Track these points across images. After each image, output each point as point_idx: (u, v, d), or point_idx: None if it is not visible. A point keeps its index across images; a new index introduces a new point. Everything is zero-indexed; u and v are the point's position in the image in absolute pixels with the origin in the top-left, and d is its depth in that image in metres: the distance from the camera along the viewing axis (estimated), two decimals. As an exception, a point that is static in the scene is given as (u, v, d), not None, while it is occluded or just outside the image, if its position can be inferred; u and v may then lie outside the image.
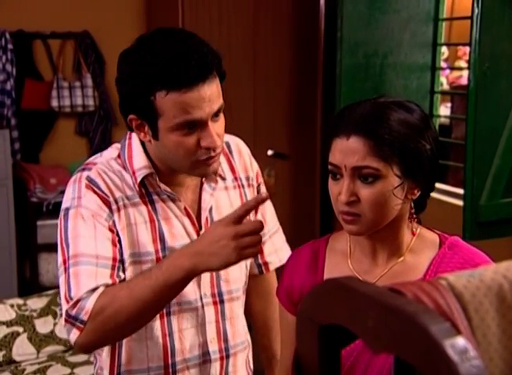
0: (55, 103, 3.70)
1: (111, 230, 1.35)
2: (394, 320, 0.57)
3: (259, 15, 3.62)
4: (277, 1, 3.64)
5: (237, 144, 1.57)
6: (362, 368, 1.17)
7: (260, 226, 1.22)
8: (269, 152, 3.67)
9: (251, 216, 1.54)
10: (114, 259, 1.33)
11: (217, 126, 1.34)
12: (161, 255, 1.39)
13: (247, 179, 1.56)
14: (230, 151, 1.54)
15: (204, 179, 1.47)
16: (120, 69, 1.36)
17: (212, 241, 1.21)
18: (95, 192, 1.36)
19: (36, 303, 2.80)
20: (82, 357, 2.65)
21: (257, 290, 1.66)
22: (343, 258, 1.25)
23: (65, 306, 1.30)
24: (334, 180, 1.16)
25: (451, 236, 1.23)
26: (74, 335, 1.29)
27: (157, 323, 1.41)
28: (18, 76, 3.62)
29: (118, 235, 1.36)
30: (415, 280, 1.15)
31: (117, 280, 1.33)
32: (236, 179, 1.54)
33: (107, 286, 1.30)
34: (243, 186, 1.55)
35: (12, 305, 2.77)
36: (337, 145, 1.14)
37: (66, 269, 1.31)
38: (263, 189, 1.61)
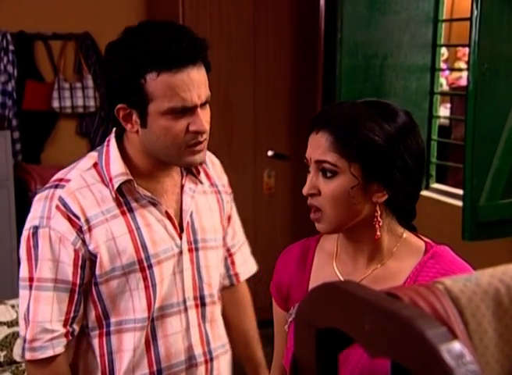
0: (56, 104, 3.71)
1: (76, 253, 1.37)
2: (391, 324, 0.57)
3: (259, 16, 3.62)
4: (277, 2, 3.64)
5: (210, 156, 1.60)
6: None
7: None
8: (269, 153, 3.67)
9: (224, 225, 1.58)
10: (73, 284, 1.39)
11: (204, 114, 1.36)
12: (145, 264, 1.40)
13: (223, 186, 1.60)
14: (204, 162, 1.54)
15: (184, 180, 1.48)
16: (107, 59, 1.37)
17: None
18: (64, 214, 1.36)
19: (37, 304, 2.80)
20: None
21: (233, 302, 1.67)
22: (329, 259, 1.27)
23: (23, 326, 1.43)
24: (308, 174, 1.20)
25: (439, 245, 1.22)
26: (22, 353, 1.43)
27: (140, 333, 1.42)
28: (19, 77, 3.63)
29: (91, 255, 1.38)
30: (395, 286, 1.16)
31: (71, 314, 1.39)
32: (212, 185, 1.56)
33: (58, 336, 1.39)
34: (219, 192, 1.58)
35: (13, 306, 2.77)
36: (309, 139, 1.18)
37: (31, 288, 1.38)
38: (232, 201, 1.64)
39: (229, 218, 1.63)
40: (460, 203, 2.88)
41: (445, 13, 3.27)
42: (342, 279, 1.23)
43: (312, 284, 1.28)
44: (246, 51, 3.61)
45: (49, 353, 1.38)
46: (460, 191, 2.99)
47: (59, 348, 1.39)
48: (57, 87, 3.72)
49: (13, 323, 2.70)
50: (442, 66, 3.60)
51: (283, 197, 3.74)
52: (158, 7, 3.86)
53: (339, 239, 1.26)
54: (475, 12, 2.39)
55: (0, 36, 3.57)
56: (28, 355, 1.40)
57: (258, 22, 3.62)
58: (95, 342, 1.43)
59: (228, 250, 1.64)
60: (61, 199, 1.37)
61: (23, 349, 1.41)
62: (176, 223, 1.45)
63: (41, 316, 1.37)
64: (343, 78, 3.16)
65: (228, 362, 1.59)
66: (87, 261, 1.39)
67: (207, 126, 1.36)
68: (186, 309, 1.46)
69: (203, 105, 1.35)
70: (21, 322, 1.43)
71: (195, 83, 1.31)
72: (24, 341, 1.41)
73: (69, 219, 1.36)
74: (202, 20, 3.49)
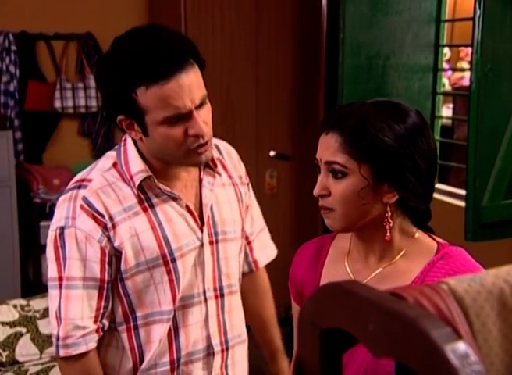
0: (58, 104, 3.71)
1: (102, 251, 1.41)
2: (395, 325, 0.57)
3: (261, 16, 3.62)
4: (279, 2, 3.64)
5: (226, 146, 1.63)
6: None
7: None
8: (271, 153, 3.67)
9: (243, 216, 1.60)
10: (101, 280, 1.42)
11: (203, 114, 1.36)
12: (169, 258, 1.44)
13: (240, 178, 1.62)
14: (220, 153, 1.59)
15: (202, 174, 1.50)
16: (98, 74, 1.41)
17: None
18: (89, 213, 1.40)
19: (39, 304, 2.80)
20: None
21: (252, 289, 1.70)
22: (341, 256, 1.28)
23: (55, 325, 1.44)
24: (319, 175, 1.20)
25: (453, 246, 1.21)
26: (55, 350, 1.45)
27: (167, 324, 1.46)
28: (21, 77, 3.63)
29: (116, 251, 1.42)
30: (403, 285, 1.16)
31: (101, 310, 1.43)
32: (230, 177, 1.59)
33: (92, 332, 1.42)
34: (236, 184, 1.60)
35: (15, 306, 2.77)
36: (319, 140, 1.18)
37: (60, 287, 1.42)
38: (250, 189, 1.67)
39: (247, 207, 1.65)
40: (462, 203, 2.88)
41: (447, 13, 3.26)
42: (352, 276, 1.24)
43: (323, 281, 1.29)
44: (248, 51, 3.61)
45: (82, 349, 1.42)
46: (462, 192, 2.99)
47: (92, 343, 1.43)
48: (59, 88, 3.72)
49: (15, 324, 2.70)
50: (445, 66, 3.59)
51: (285, 197, 3.74)
52: (159, 7, 3.86)
53: (352, 237, 1.27)
54: (478, 12, 2.38)
55: (2, 36, 3.57)
56: (62, 352, 1.43)
57: (260, 22, 3.62)
58: (124, 336, 1.48)
59: (246, 238, 1.67)
60: (84, 199, 1.41)
61: (57, 347, 1.44)
62: (197, 217, 1.48)
63: (73, 313, 1.41)
64: (346, 78, 3.15)
65: (244, 351, 1.62)
66: (113, 257, 1.42)
67: (205, 129, 1.37)
68: (206, 300, 1.50)
69: (199, 106, 1.35)
70: (52, 320, 1.45)
71: (186, 88, 1.32)
72: (57, 338, 1.43)
73: (94, 218, 1.40)
74: (204, 20, 3.49)
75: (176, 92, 1.31)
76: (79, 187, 1.43)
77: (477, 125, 2.42)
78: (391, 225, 1.18)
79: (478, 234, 2.49)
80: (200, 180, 1.51)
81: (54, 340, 1.45)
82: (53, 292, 1.44)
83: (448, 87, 4.06)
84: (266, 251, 1.73)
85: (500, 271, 0.63)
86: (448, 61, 4.00)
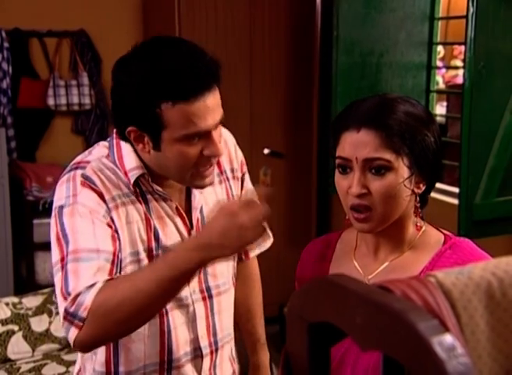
0: (51, 102, 3.70)
1: (109, 226, 1.31)
2: (382, 317, 0.57)
3: (256, 14, 3.62)
4: (273, 0, 3.64)
5: (223, 132, 1.55)
6: (351, 364, 1.18)
7: (265, 211, 1.20)
8: (265, 151, 3.67)
9: None
10: (114, 254, 1.29)
11: (217, 135, 1.34)
12: (154, 253, 1.38)
13: (232, 171, 1.56)
14: None
15: None
16: (118, 80, 1.32)
17: (220, 234, 1.18)
18: (92, 188, 1.31)
19: (31, 301, 2.80)
20: (77, 355, 2.65)
21: (240, 277, 1.66)
22: (349, 252, 1.28)
23: (62, 303, 1.23)
24: (342, 175, 1.17)
25: (460, 237, 1.23)
26: (73, 333, 1.21)
27: (156, 321, 1.41)
28: (14, 74, 3.62)
29: (117, 232, 1.33)
30: (410, 276, 1.16)
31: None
32: (221, 173, 1.54)
33: (107, 281, 1.25)
34: (228, 179, 1.55)
35: (7, 304, 2.77)
36: (347, 138, 1.15)
37: (64, 266, 1.25)
38: (247, 178, 1.61)
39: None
40: (455, 201, 2.88)
41: (441, 11, 3.27)
42: (360, 271, 1.24)
43: None
44: (242, 48, 3.60)
45: (98, 285, 1.22)
46: (455, 189, 2.99)
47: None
48: (52, 85, 3.71)
49: (7, 321, 2.70)
50: (439, 64, 3.59)
51: (279, 195, 3.74)
52: (153, 5, 3.85)
53: (360, 233, 1.26)
54: (471, 10, 2.38)
55: (-5, 33, 3.56)
56: (80, 307, 1.20)
57: (254, 20, 3.62)
58: None
59: None
60: (85, 176, 1.32)
61: (69, 315, 1.21)
62: (187, 220, 1.44)
63: (83, 282, 1.22)
64: (339, 76, 3.15)
65: (231, 346, 1.58)
66: (117, 239, 1.32)
67: (222, 150, 1.34)
68: (192, 303, 1.45)
69: (216, 126, 1.33)
70: (59, 298, 1.25)
71: (211, 109, 1.29)
72: (65, 310, 1.22)
73: (98, 193, 1.32)
74: (198, 18, 3.49)
75: (201, 111, 1.27)
76: (76, 167, 1.35)
77: (470, 123, 2.42)
78: (421, 215, 1.20)
79: (471, 232, 2.49)
80: None
81: (62, 313, 1.23)
82: (58, 275, 1.26)
83: (442, 85, 4.07)
84: (258, 241, 1.70)
85: (488, 264, 0.63)
86: (442, 59, 4.00)
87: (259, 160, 3.64)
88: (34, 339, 2.73)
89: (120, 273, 1.32)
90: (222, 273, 1.53)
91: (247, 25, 3.60)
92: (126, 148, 1.39)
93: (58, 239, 1.29)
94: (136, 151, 1.38)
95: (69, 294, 1.22)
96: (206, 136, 1.30)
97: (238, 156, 1.59)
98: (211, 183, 1.40)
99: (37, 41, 3.76)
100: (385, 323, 0.57)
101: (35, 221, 3.62)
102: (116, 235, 1.32)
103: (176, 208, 1.43)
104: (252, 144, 3.63)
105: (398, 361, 0.56)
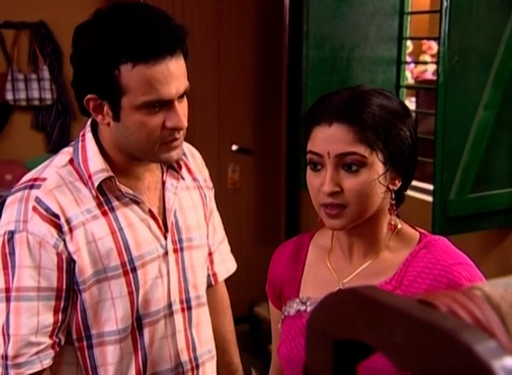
0: (9, 96, 3.55)
1: (59, 257, 1.26)
2: (428, 337, 0.51)
3: (222, 8, 3.54)
4: (241, -8, 3.57)
5: (190, 148, 1.53)
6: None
7: None
8: (234, 147, 3.60)
9: (208, 222, 1.50)
10: (59, 290, 1.27)
11: (182, 107, 1.27)
12: (128, 267, 1.31)
13: (204, 181, 1.52)
14: (184, 155, 1.47)
15: (165, 176, 1.40)
16: (77, 44, 1.26)
17: None
18: (43, 216, 1.25)
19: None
20: None
21: (211, 304, 1.55)
22: (323, 255, 1.23)
23: (1, 344, 1.26)
24: (314, 171, 1.12)
25: (435, 235, 1.19)
26: (4, 373, 1.27)
27: (128, 340, 1.33)
28: (-30, 67, 3.46)
29: (72, 258, 1.27)
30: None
31: (58, 324, 1.28)
32: (194, 179, 1.49)
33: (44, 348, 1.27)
34: (201, 187, 1.50)
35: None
36: (318, 133, 1.10)
37: (8, 299, 1.25)
38: (213, 197, 1.57)
39: (211, 214, 1.55)
40: (426, 197, 2.87)
41: (410, 6, 3.25)
42: (335, 275, 1.20)
43: (304, 281, 1.24)
44: (209, 42, 3.52)
45: (37, 367, 1.26)
46: (426, 185, 2.98)
47: (47, 361, 1.28)
48: (10, 79, 3.56)
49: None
50: (408, 59, 3.59)
51: (248, 192, 3.68)
52: (116, -4, 3.73)
53: (335, 234, 1.22)
54: (445, 4, 2.36)
55: (-51, 24, 3.39)
56: (13, 373, 1.26)
57: (221, 13, 3.54)
58: (78, 355, 1.33)
59: (208, 248, 1.56)
60: (38, 200, 1.25)
61: (5, 367, 1.27)
62: (161, 223, 1.36)
63: (25, 328, 1.25)
64: (310, 71, 3.11)
65: (213, 367, 1.51)
66: (72, 264, 1.28)
67: (185, 122, 1.27)
68: (171, 314, 1.37)
69: (180, 97, 1.26)
70: None
71: (174, 75, 1.22)
72: (5, 358, 1.26)
73: (49, 221, 1.25)
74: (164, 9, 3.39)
75: (163, 76, 1.21)
76: (31, 186, 1.27)
77: (444, 118, 2.40)
78: (396, 213, 1.16)
79: (446, 228, 2.48)
80: (164, 183, 1.40)
81: (0, 360, 1.27)
82: (1, 305, 1.26)
83: (411, 81, 4.07)
84: (226, 264, 1.61)
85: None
86: (410, 54, 4.00)
87: (227, 157, 3.57)
88: None
89: (82, 294, 1.28)
90: (202, 283, 1.46)
91: (214, 19, 3.52)
92: (91, 149, 1.31)
93: (4, 267, 1.26)
94: (102, 152, 1.30)
95: (9, 336, 1.25)
96: (168, 106, 1.24)
97: (206, 172, 1.55)
98: (179, 158, 1.33)
99: (-7, 33, 3.60)
100: (431, 344, 0.51)
101: (-6, 221, 3.48)
102: (68, 264, 1.26)
103: (150, 210, 1.35)
104: (220, 140, 3.55)
105: (446, 385, 0.50)
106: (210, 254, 1.57)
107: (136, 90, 1.21)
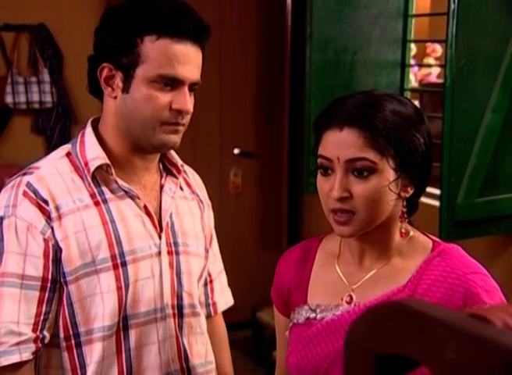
0: (9, 99, 3.51)
1: (46, 243, 1.24)
2: (485, 354, 0.48)
3: (225, 11, 3.52)
4: (243, -5, 3.55)
5: (191, 170, 1.53)
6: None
7: None
8: (236, 151, 3.57)
9: (206, 235, 1.47)
10: (44, 279, 1.24)
11: (191, 97, 1.29)
12: (119, 261, 1.27)
13: (204, 198, 1.51)
14: (185, 172, 1.46)
15: (163, 180, 1.38)
16: (105, 20, 1.30)
17: None
18: (32, 200, 1.24)
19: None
20: None
21: (210, 337, 1.48)
22: (331, 259, 1.21)
23: None
24: (324, 176, 1.10)
25: (449, 243, 1.17)
26: None
27: (112, 340, 1.28)
28: (-31, 70, 3.43)
29: (58, 246, 1.24)
30: (399, 285, 1.12)
31: (41, 316, 1.24)
32: (193, 192, 1.47)
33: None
34: (201, 201, 1.48)
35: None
36: (329, 137, 1.08)
37: None
38: (212, 216, 1.54)
39: (211, 238, 1.51)
40: (432, 201, 2.84)
41: (415, 8, 3.23)
42: (344, 280, 1.18)
43: (312, 286, 1.21)
44: (211, 46, 3.47)
45: (15, 359, 1.21)
46: (432, 190, 2.95)
47: (27, 354, 1.22)
48: (10, 82, 3.52)
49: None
50: (412, 62, 3.57)
51: (250, 196, 3.65)
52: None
53: (343, 239, 1.19)
54: (452, 6, 2.34)
55: None
56: None
57: (224, 17, 3.52)
58: (65, 355, 1.28)
59: (209, 275, 1.52)
60: (29, 185, 1.25)
61: None
62: (156, 221, 1.33)
63: (7, 315, 1.21)
64: (313, 74, 3.09)
65: None
66: (59, 253, 1.25)
67: (191, 108, 1.28)
68: (164, 318, 1.32)
69: (192, 87, 1.28)
70: None
71: (192, 60, 1.26)
72: None
73: (38, 206, 1.24)
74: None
75: (183, 55, 1.24)
76: (24, 173, 1.28)
77: (452, 121, 2.38)
78: (406, 221, 1.14)
79: (453, 233, 2.45)
80: (162, 186, 1.37)
81: None
82: None
83: (414, 84, 4.05)
84: (225, 295, 1.57)
85: None
86: (414, 57, 3.98)
87: (229, 161, 3.54)
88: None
89: (68, 287, 1.25)
90: (197, 294, 1.41)
91: (217, 22, 3.50)
92: (90, 140, 1.31)
93: None
94: (102, 145, 1.30)
95: None
96: (179, 88, 1.25)
97: (205, 193, 1.53)
98: (175, 146, 1.31)
99: (-7, 36, 3.57)
100: (488, 361, 0.48)
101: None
102: (55, 252, 1.24)
103: (145, 206, 1.32)
104: (222, 144, 3.53)
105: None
106: (211, 281, 1.53)
107: (154, 61, 1.23)
